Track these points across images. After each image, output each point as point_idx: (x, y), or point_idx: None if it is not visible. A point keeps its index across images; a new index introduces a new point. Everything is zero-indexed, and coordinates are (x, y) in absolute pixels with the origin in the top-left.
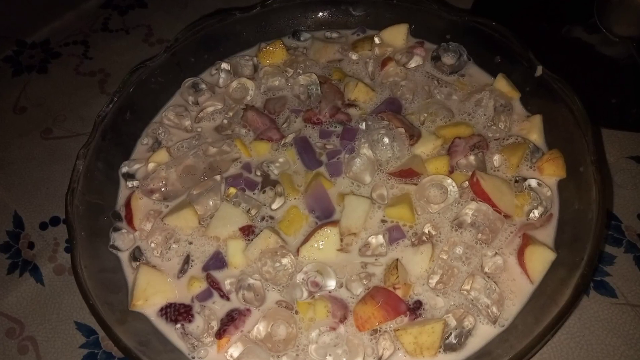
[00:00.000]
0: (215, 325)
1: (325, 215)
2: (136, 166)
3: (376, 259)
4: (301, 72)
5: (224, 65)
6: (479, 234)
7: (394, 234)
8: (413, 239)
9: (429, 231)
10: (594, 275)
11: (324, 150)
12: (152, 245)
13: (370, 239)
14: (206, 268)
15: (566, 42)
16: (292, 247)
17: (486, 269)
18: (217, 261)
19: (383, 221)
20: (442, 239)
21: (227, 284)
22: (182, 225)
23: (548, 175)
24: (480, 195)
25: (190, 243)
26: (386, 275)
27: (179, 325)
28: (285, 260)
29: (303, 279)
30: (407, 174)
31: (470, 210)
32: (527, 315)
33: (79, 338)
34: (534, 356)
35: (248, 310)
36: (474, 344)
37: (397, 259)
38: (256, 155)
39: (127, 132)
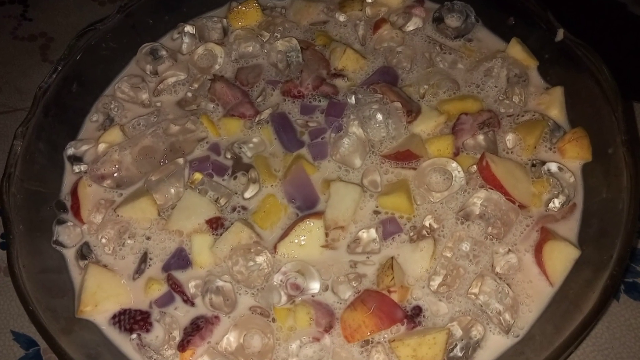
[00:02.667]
0: (177, 335)
1: (307, 205)
2: (84, 147)
3: (368, 257)
4: (279, 36)
5: (188, 29)
6: (489, 228)
7: (389, 228)
8: (411, 234)
9: (430, 224)
10: (625, 277)
11: (306, 129)
12: (103, 240)
13: (360, 233)
14: (167, 268)
15: (592, 1)
16: (268, 243)
17: (498, 269)
18: (180, 260)
19: (376, 212)
20: (446, 234)
21: (191, 287)
22: (139, 217)
23: (571, 158)
24: (490, 181)
25: (148, 238)
26: (379, 276)
27: (134, 336)
28: (260, 259)
29: (281, 281)
30: (404, 156)
31: (479, 199)
32: (546, 324)
33: (17, 350)
34: None
35: (216, 317)
36: (484, 357)
37: (392, 257)
38: (226, 134)
39: (73, 108)
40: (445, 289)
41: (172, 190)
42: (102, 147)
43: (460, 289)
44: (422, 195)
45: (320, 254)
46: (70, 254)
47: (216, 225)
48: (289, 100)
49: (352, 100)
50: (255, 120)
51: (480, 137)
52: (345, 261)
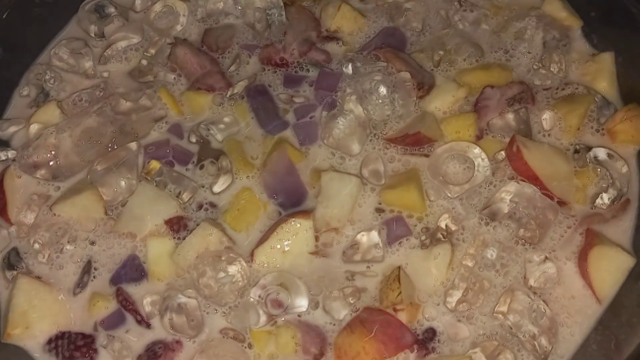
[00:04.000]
0: None
1: (292, 201)
2: (12, 129)
3: (368, 267)
4: None
5: None
6: (521, 230)
7: (395, 230)
8: (423, 237)
9: (446, 225)
10: None
11: (290, 106)
12: (36, 246)
13: (359, 237)
14: (116, 280)
15: None
16: (243, 249)
17: (531, 282)
18: (133, 270)
19: (378, 210)
20: (467, 238)
21: (147, 304)
22: (81, 217)
23: (623, 143)
24: (522, 171)
25: (93, 243)
26: (383, 290)
27: None
28: (233, 269)
29: (260, 297)
30: (415, 140)
31: (508, 194)
32: (592, 351)
33: None
34: None
35: (178, 342)
36: None
37: (399, 267)
38: (190, 112)
39: None
40: (466, 306)
41: (123, 183)
42: (34, 128)
43: (484, 306)
44: (437, 189)
45: (309, 263)
46: None
47: (178, 226)
48: (269, 70)
49: (349, 69)
50: (227, 95)
51: (510, 116)
52: (340, 272)
